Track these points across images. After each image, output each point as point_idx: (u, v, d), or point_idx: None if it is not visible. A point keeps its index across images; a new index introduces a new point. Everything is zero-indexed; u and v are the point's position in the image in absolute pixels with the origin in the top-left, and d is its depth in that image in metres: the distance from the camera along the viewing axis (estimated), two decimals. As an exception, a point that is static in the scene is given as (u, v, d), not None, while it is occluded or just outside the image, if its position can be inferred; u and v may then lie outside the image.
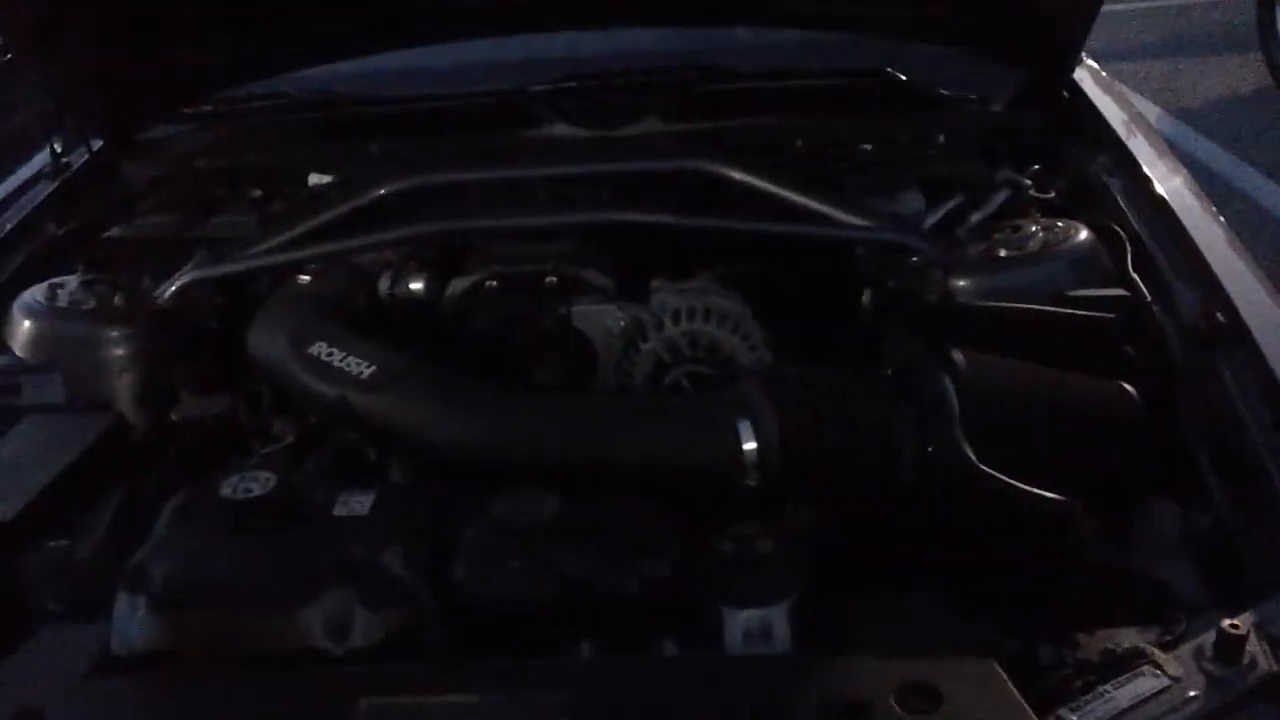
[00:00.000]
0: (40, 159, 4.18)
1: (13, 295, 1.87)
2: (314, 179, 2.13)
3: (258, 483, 1.34)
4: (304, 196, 2.05)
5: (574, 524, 1.29)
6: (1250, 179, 4.79)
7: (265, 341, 1.67)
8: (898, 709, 1.09)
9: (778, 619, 1.25)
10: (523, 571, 1.26)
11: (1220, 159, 5.00)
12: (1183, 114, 5.46)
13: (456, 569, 1.28)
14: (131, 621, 1.27)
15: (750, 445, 1.39)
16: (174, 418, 1.64)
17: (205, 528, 1.32)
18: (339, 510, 1.35)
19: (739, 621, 1.25)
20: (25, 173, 4.15)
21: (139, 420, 1.71)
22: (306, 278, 1.83)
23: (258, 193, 2.15)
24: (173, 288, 1.84)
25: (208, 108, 2.34)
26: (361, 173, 2.02)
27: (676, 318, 1.64)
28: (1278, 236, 4.32)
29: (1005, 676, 1.13)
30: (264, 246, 1.87)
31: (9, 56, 4.12)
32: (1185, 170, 1.97)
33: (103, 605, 1.41)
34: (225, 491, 1.33)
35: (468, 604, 1.26)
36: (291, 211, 1.99)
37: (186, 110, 2.34)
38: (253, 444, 1.61)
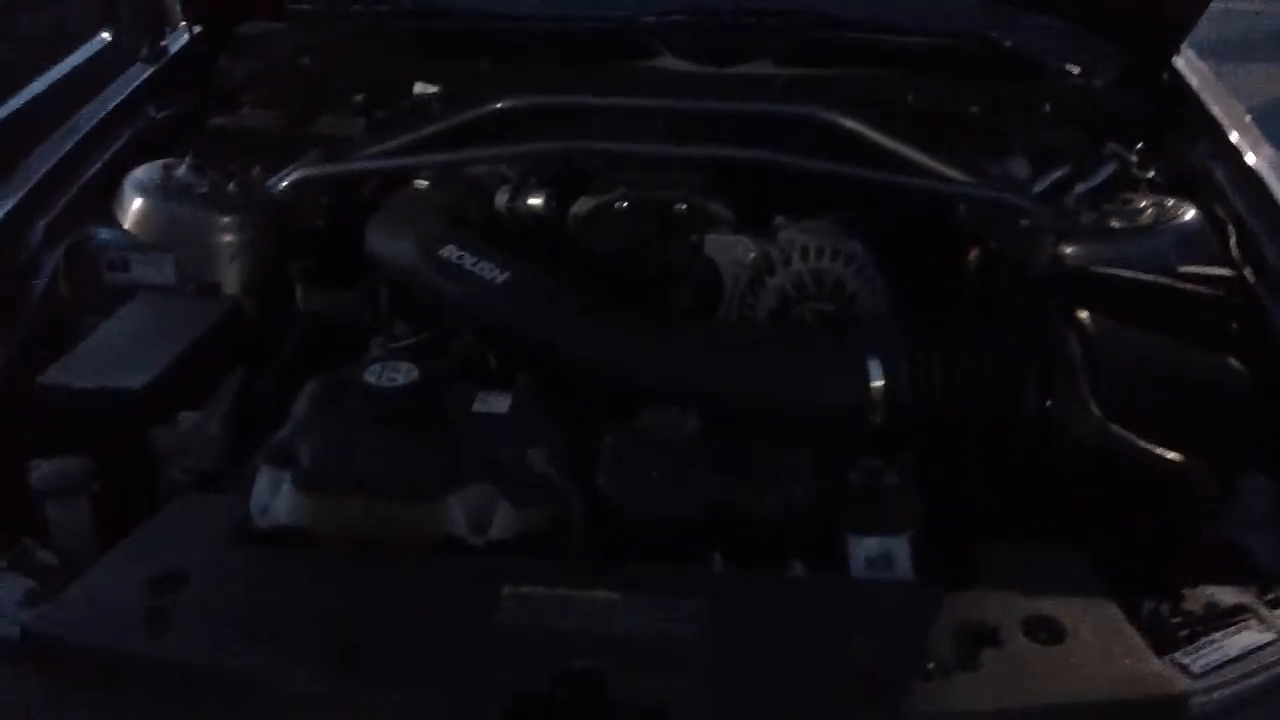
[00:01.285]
0: (91, 46, 4.10)
1: (119, 174, 1.88)
2: (419, 88, 2.13)
3: (400, 373, 1.36)
4: (417, 105, 2.05)
5: (715, 442, 1.32)
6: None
7: (391, 241, 1.69)
8: (1025, 638, 1.14)
9: (899, 549, 1.29)
10: (664, 483, 1.29)
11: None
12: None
13: (598, 475, 1.31)
14: (274, 497, 1.30)
15: (878, 383, 1.43)
16: (301, 306, 1.65)
17: (350, 412, 1.35)
18: (478, 407, 1.38)
19: (863, 548, 1.29)
20: (76, 59, 4.10)
21: (250, 307, 1.73)
22: (423, 184, 1.84)
23: (360, 98, 2.16)
24: (286, 181, 1.85)
25: (308, 7, 2.34)
26: (469, 87, 2.03)
27: (805, 255, 1.67)
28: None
29: (1125, 617, 1.17)
30: (378, 149, 1.89)
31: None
32: (1282, 158, 2.01)
33: (229, 480, 1.46)
34: (369, 379, 1.36)
35: (607, 509, 1.30)
36: (404, 118, 2.00)
37: (288, 7, 2.33)
38: (372, 341, 1.64)
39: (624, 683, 1.09)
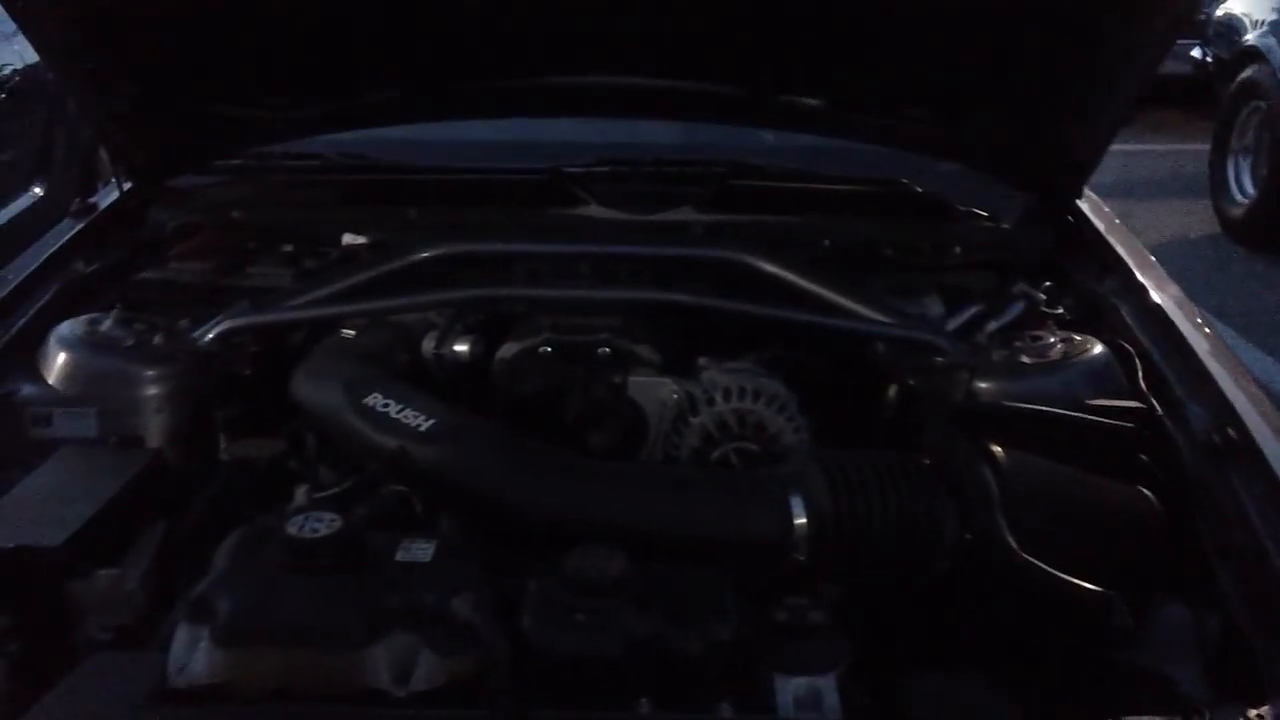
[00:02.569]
0: (24, 200, 4.15)
1: (45, 328, 1.88)
2: (348, 239, 2.17)
3: (323, 523, 1.36)
4: (345, 254, 2.09)
5: (640, 584, 1.32)
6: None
7: (316, 389, 1.70)
8: None
9: (827, 688, 1.29)
10: (589, 625, 1.29)
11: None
12: (1137, 253, 5.70)
13: (523, 620, 1.30)
14: (192, 654, 1.27)
15: (801, 520, 1.45)
16: (224, 457, 1.65)
17: (270, 564, 1.33)
18: (401, 556, 1.37)
19: (790, 689, 1.29)
20: (7, 213, 4.12)
21: (173, 458, 1.72)
22: (350, 332, 1.86)
23: (289, 248, 2.19)
24: (213, 332, 1.86)
25: (239, 161, 2.39)
26: (398, 237, 2.07)
27: (727, 395, 1.70)
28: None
29: None
30: (306, 299, 1.91)
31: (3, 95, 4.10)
32: (1183, 294, 2.09)
33: (147, 635, 1.42)
34: (291, 530, 1.35)
35: (532, 655, 1.29)
36: (332, 268, 2.03)
37: (219, 162, 2.38)
38: (297, 489, 1.63)
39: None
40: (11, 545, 1.45)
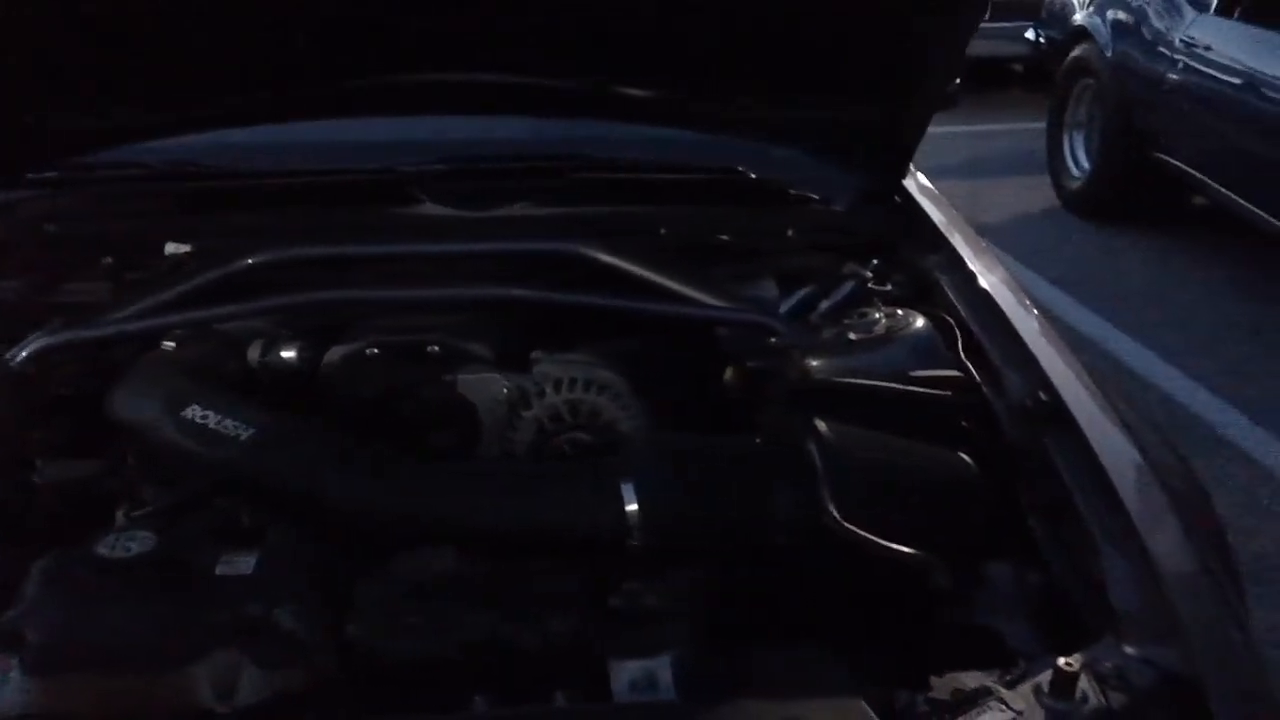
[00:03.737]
0: None
1: None
2: (171, 248, 2.10)
3: (136, 541, 1.32)
4: (167, 265, 2.02)
5: (472, 580, 1.32)
6: (1041, 287, 5.21)
7: (134, 405, 1.64)
8: None
9: (661, 669, 1.30)
10: (419, 626, 1.28)
11: (1015, 270, 5.42)
12: (983, 230, 5.91)
13: (352, 626, 1.28)
14: (2, 685, 1.22)
15: (632, 507, 1.46)
16: (37, 480, 1.58)
17: (82, 588, 1.29)
18: (222, 570, 1.34)
19: (625, 672, 1.30)
20: None
21: None
22: (170, 345, 1.80)
23: (109, 260, 2.11)
24: (25, 352, 1.78)
25: (53, 173, 2.29)
26: (224, 243, 2.01)
27: (558, 386, 1.70)
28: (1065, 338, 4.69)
29: (872, 713, 1.21)
30: (126, 313, 1.84)
31: None
32: (1003, 267, 2.18)
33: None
34: (102, 551, 1.30)
35: (363, 661, 1.27)
36: (154, 279, 1.96)
37: (31, 175, 2.28)
38: (118, 509, 1.57)
39: None
40: None
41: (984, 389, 1.76)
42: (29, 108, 2.08)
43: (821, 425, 1.55)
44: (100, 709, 1.21)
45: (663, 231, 2.18)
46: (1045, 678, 1.26)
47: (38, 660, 1.22)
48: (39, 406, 1.76)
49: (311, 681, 1.25)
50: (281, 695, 1.24)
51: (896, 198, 2.39)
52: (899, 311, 1.92)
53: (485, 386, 1.71)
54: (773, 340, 1.87)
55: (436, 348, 1.75)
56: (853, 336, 1.85)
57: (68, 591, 1.29)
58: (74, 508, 1.58)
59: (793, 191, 2.36)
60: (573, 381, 1.71)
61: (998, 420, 1.71)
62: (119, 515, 1.55)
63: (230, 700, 1.23)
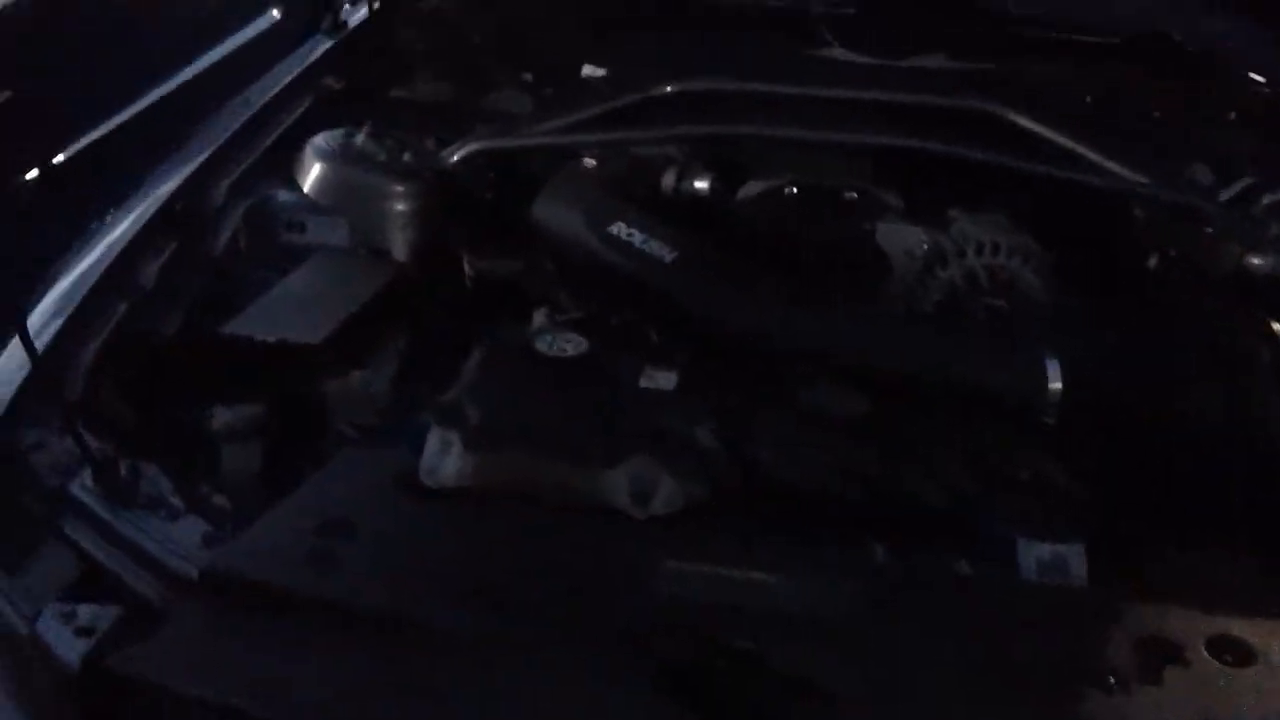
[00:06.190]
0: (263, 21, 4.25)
1: (300, 139, 1.94)
2: (587, 70, 2.15)
3: (571, 343, 1.38)
4: (585, 85, 2.07)
5: (884, 426, 1.30)
6: None
7: (558, 215, 1.71)
8: (1211, 658, 1.09)
9: (1074, 556, 1.25)
10: (830, 464, 1.28)
11: None
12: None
13: (763, 453, 1.30)
14: (443, 456, 1.32)
15: (1056, 385, 1.39)
16: (468, 271, 1.68)
17: (521, 377, 1.37)
18: (645, 382, 1.39)
19: (1034, 552, 1.26)
20: (248, 33, 4.25)
21: (417, 272, 1.77)
22: (590, 161, 1.86)
23: (529, 76, 2.19)
24: (459, 153, 1.88)
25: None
26: (639, 69, 2.03)
27: (980, 249, 1.63)
28: None
29: None
30: (549, 126, 1.91)
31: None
32: None
33: (393, 435, 1.49)
34: (540, 347, 1.37)
35: (770, 488, 1.29)
36: (574, 97, 2.02)
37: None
38: (535, 312, 1.65)
39: (781, 661, 1.07)
40: (274, 339, 1.53)
41: None
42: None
43: (1276, 326, 1.42)
44: (528, 493, 1.29)
45: (1087, 99, 2.03)
46: None
47: (477, 438, 1.31)
48: (467, 205, 1.86)
49: (718, 499, 1.28)
50: (692, 509, 1.28)
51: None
52: (1361, 215, 1.71)
53: (904, 238, 1.66)
54: (1207, 230, 1.71)
55: (854, 194, 1.71)
56: (1305, 236, 1.67)
57: (509, 380, 1.37)
58: (496, 302, 1.68)
59: (1235, 70, 2.13)
60: (995, 245, 1.63)
61: None
62: (537, 316, 1.64)
63: (645, 507, 1.28)
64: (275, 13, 4.44)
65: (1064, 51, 2.12)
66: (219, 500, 1.35)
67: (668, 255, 1.56)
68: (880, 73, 2.05)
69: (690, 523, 1.28)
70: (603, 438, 1.30)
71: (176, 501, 1.31)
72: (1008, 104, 1.85)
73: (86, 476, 1.34)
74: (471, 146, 1.89)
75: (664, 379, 1.38)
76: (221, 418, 1.41)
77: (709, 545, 1.22)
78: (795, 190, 1.74)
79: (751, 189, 1.77)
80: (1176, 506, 1.33)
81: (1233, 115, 2.03)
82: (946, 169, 1.76)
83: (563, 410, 1.33)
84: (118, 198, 1.87)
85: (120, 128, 3.50)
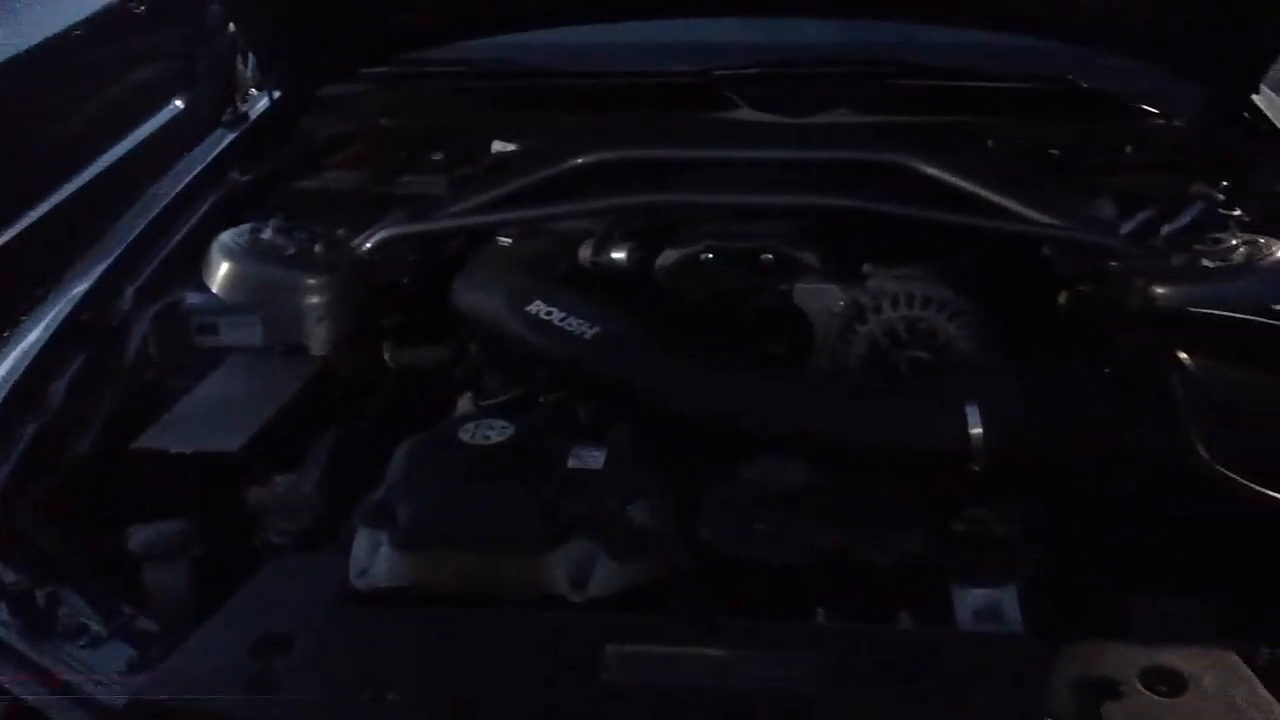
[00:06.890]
0: (167, 113, 4.22)
1: (206, 238, 1.91)
2: (497, 146, 2.15)
3: (495, 430, 1.37)
4: (499, 162, 2.07)
5: (822, 492, 1.30)
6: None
7: (478, 298, 1.70)
8: (1145, 690, 1.10)
9: (1008, 600, 1.26)
10: (774, 535, 1.28)
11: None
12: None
13: (703, 528, 1.30)
14: (373, 557, 1.29)
15: (977, 430, 1.41)
16: (390, 364, 1.66)
17: (447, 470, 1.35)
18: (573, 462, 1.37)
19: (969, 600, 1.27)
20: (150, 126, 4.20)
21: (338, 366, 1.74)
22: (506, 240, 1.85)
23: (439, 156, 2.18)
24: (371, 240, 1.86)
25: (386, 69, 2.38)
26: (549, 143, 2.04)
27: (895, 303, 1.65)
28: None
29: (1246, 669, 1.13)
30: (462, 207, 1.90)
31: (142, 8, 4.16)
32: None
33: (323, 539, 1.46)
34: (464, 437, 1.36)
35: (711, 564, 1.28)
36: (486, 175, 2.02)
37: (366, 71, 2.37)
38: (459, 396, 1.64)
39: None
40: (190, 450, 1.49)
41: None
42: (368, 3, 2.15)
43: (1185, 358, 1.45)
44: (461, 588, 1.27)
45: (990, 144, 2.07)
46: None
47: (407, 536, 1.29)
48: (382, 293, 1.84)
49: (659, 578, 1.27)
50: (631, 589, 1.27)
51: (1245, 114, 2.18)
52: (1260, 239, 1.76)
53: (821, 297, 1.68)
54: (1113, 264, 1.75)
55: (770, 255, 1.73)
56: (1207, 264, 1.71)
57: (435, 474, 1.35)
58: (423, 391, 1.66)
59: (1130, 105, 2.19)
60: (910, 298, 1.65)
61: None
62: (463, 401, 1.62)
63: (583, 590, 1.26)
64: (179, 102, 4.40)
65: (965, 100, 2.16)
66: (144, 623, 1.31)
67: (588, 331, 1.55)
68: (787, 131, 2.07)
69: (631, 603, 1.27)
70: (534, 524, 1.28)
71: (98, 628, 1.27)
72: (914, 153, 1.88)
73: (1, 609, 1.29)
74: (385, 233, 1.87)
75: (591, 458, 1.37)
76: (138, 537, 1.37)
77: (655, 626, 1.20)
78: (711, 256, 1.75)
79: (669, 257, 1.78)
80: (1103, 541, 1.35)
81: (1129, 149, 2.08)
82: (861, 225, 1.79)
83: (491, 500, 1.31)
84: (22, 308, 1.82)
85: (26, 231, 3.42)
